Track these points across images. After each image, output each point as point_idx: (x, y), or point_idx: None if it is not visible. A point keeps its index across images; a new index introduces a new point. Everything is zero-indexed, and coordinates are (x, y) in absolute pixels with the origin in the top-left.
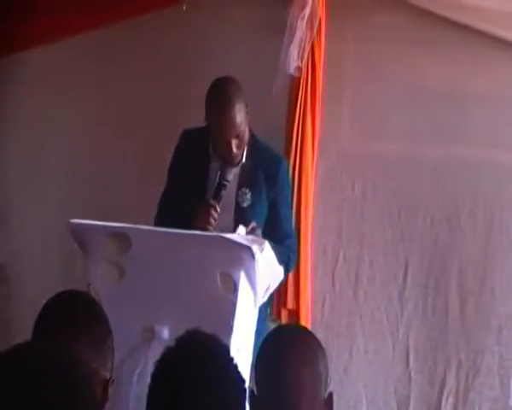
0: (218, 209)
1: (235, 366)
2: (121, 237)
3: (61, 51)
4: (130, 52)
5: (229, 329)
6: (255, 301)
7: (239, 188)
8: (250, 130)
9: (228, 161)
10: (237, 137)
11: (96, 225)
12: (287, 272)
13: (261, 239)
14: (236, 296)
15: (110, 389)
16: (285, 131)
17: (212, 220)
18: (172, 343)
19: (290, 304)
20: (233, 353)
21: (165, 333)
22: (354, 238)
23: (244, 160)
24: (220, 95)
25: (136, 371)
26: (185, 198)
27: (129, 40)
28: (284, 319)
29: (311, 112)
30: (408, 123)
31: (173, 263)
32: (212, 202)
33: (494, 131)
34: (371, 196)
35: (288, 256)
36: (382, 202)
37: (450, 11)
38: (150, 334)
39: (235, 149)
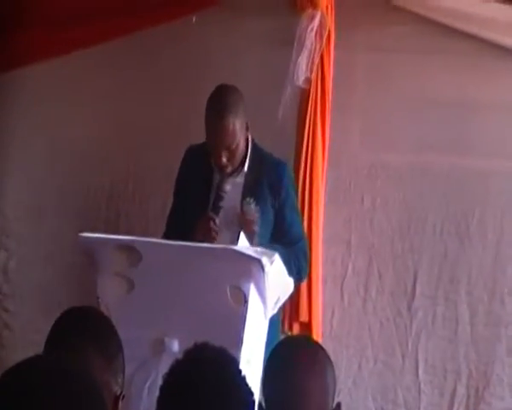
0: (217, 221)
1: (244, 379)
2: (130, 250)
3: (65, 65)
4: (138, 64)
5: (239, 341)
6: (265, 313)
7: (243, 198)
8: (252, 139)
9: (219, 169)
10: (228, 149)
11: (106, 239)
12: (300, 279)
13: (271, 251)
14: (246, 309)
15: (120, 404)
16: (295, 143)
17: (213, 233)
18: (180, 356)
19: (303, 316)
20: (243, 364)
21: (176, 346)
22: (363, 250)
23: (246, 169)
24: (215, 103)
25: (147, 384)
26: (192, 212)
27: (137, 52)
28: (296, 332)
29: (320, 123)
30: (417, 133)
31: (183, 276)
32: (211, 214)
33: (504, 140)
34: (380, 207)
35: (299, 260)
36: (391, 213)
37: (459, 21)
38: (160, 347)
39: (224, 160)
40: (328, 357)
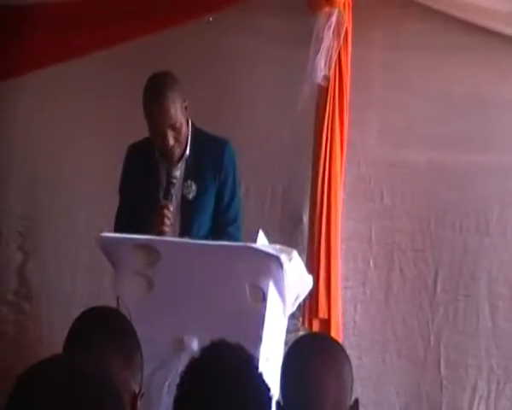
0: (171, 208)
1: (261, 376)
2: (150, 250)
3: (75, 69)
4: (155, 66)
5: (258, 339)
6: (284, 311)
7: (184, 180)
8: (192, 122)
9: (167, 155)
10: (173, 128)
11: (125, 238)
12: None
13: (289, 248)
14: (265, 306)
15: (139, 403)
16: (313, 140)
17: (166, 221)
18: (197, 354)
19: (322, 313)
20: (262, 362)
21: (195, 344)
22: (384, 246)
23: (188, 152)
24: (152, 87)
25: (167, 383)
26: (141, 207)
27: (154, 54)
28: (315, 328)
29: (339, 120)
30: (436, 130)
31: (202, 274)
32: (163, 202)
33: None
34: (400, 204)
35: None
36: (411, 210)
37: (477, 17)
38: (180, 345)
39: (171, 142)
40: (345, 353)
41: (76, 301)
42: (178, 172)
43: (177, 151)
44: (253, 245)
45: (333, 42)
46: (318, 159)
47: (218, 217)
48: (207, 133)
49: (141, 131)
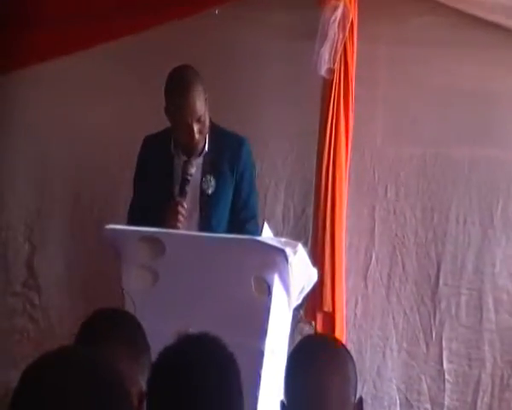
0: (185, 205)
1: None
2: (155, 242)
3: (83, 61)
4: (160, 58)
5: (263, 332)
6: (289, 304)
7: (203, 175)
8: (210, 118)
9: (191, 148)
10: (198, 121)
11: (130, 231)
12: None
13: (294, 241)
14: (270, 299)
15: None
16: (318, 133)
17: (180, 217)
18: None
19: (326, 306)
20: (268, 354)
21: None
22: (387, 239)
23: (206, 148)
24: (178, 81)
25: None
26: (154, 200)
27: (159, 46)
28: (319, 322)
29: (344, 114)
30: (441, 124)
31: (207, 267)
32: (178, 198)
33: None
34: (404, 197)
35: None
36: (415, 203)
37: (483, 11)
38: None
39: (197, 135)
40: (348, 353)
41: (84, 293)
42: (194, 169)
43: (201, 145)
44: (259, 238)
45: (338, 35)
46: (322, 152)
47: (236, 214)
48: (224, 129)
49: (144, 124)
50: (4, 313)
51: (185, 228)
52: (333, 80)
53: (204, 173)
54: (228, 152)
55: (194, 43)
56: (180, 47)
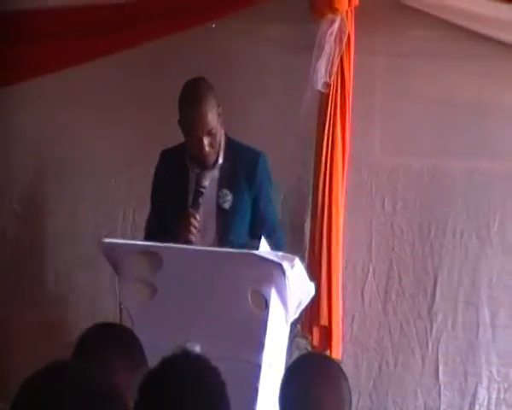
0: (198, 217)
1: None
2: (153, 256)
3: (85, 74)
4: (158, 72)
5: (260, 345)
6: (286, 318)
7: (219, 189)
8: (225, 132)
9: (202, 161)
10: (209, 134)
11: (128, 244)
12: None
13: (291, 255)
14: (267, 313)
15: None
16: (315, 147)
17: (192, 229)
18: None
19: (323, 320)
20: (265, 368)
21: (198, 351)
22: (384, 253)
23: (221, 161)
24: (191, 93)
25: None
26: (170, 213)
27: (157, 60)
28: (316, 336)
29: (340, 127)
30: (438, 137)
31: (204, 281)
32: (191, 210)
33: None
34: (401, 211)
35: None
36: (412, 217)
37: (478, 25)
38: None
39: (207, 147)
40: (343, 372)
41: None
42: (208, 182)
43: (211, 158)
44: (256, 252)
45: (334, 48)
46: (319, 166)
47: (259, 228)
48: (241, 143)
49: (145, 135)
50: None
51: (199, 241)
52: (329, 94)
53: (220, 187)
54: (244, 166)
55: (192, 56)
56: (178, 60)
